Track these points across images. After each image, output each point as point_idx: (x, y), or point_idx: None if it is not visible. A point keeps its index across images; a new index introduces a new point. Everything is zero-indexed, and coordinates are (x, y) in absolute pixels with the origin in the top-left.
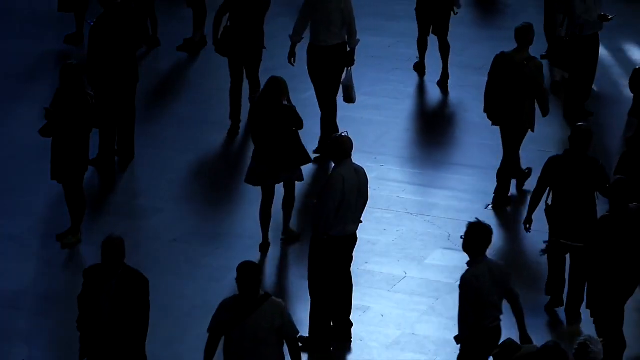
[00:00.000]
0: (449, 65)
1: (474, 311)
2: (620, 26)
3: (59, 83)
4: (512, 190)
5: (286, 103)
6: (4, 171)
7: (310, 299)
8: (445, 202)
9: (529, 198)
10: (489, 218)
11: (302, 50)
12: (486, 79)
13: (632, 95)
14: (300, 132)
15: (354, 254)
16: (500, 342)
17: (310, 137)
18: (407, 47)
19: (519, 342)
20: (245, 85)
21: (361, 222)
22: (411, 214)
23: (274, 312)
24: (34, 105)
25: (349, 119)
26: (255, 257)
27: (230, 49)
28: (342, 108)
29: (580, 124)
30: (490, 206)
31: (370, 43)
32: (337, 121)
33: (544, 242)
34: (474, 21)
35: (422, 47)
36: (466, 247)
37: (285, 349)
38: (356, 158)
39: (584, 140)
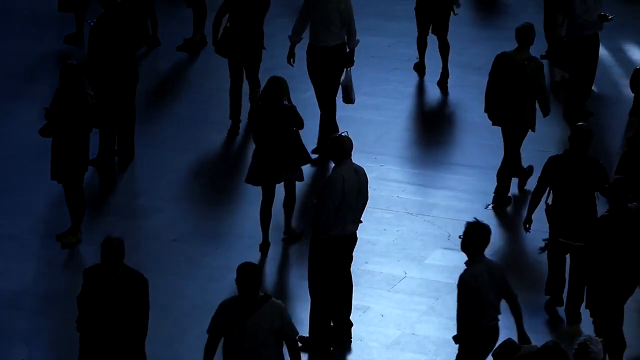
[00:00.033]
0: (449, 65)
1: (472, 311)
2: (620, 26)
3: (59, 83)
4: (513, 190)
5: (287, 103)
6: (4, 171)
7: (310, 299)
8: (445, 202)
9: (529, 198)
10: (489, 218)
11: (302, 50)
12: (486, 78)
13: (632, 95)
14: (300, 132)
15: (354, 254)
16: (499, 341)
17: (311, 137)
18: (407, 47)
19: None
20: (245, 85)
21: (361, 222)
22: (411, 214)
23: (274, 313)
24: (34, 105)
25: (349, 119)
26: (255, 257)
27: (229, 50)
28: (342, 108)
29: (580, 123)
30: (490, 206)
31: (370, 43)
32: (337, 121)
33: (543, 240)
34: (474, 21)
35: (422, 46)
36: (464, 247)
37: (285, 350)
38: (356, 158)
39: (584, 140)
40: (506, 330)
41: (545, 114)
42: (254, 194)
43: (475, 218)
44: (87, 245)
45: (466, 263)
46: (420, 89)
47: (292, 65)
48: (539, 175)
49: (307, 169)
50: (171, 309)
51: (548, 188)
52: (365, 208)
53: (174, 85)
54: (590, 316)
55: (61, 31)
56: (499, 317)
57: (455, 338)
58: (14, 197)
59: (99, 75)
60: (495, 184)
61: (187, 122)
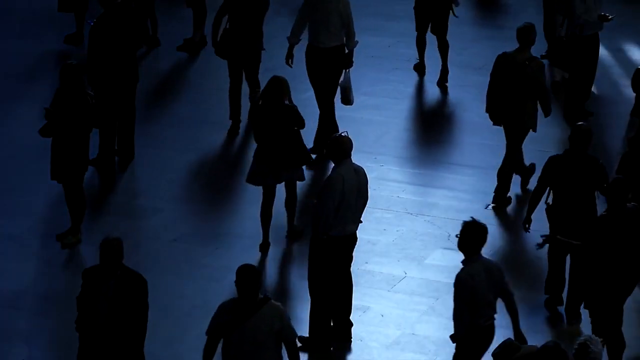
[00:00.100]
0: (448, 65)
1: (469, 310)
2: (620, 26)
3: (59, 83)
4: (514, 189)
5: (288, 103)
6: (4, 171)
7: (310, 299)
8: (445, 202)
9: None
10: (489, 218)
11: (301, 50)
12: (486, 78)
13: (632, 95)
14: (301, 131)
15: (354, 254)
16: (495, 340)
17: (311, 137)
18: (407, 47)
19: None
20: (245, 85)
21: (361, 222)
22: (411, 214)
23: (273, 315)
24: (34, 105)
25: (349, 119)
26: (255, 257)
27: (229, 51)
28: (342, 108)
29: (580, 123)
30: (490, 206)
31: (370, 43)
32: (337, 121)
33: (541, 236)
34: (474, 20)
35: (421, 46)
36: (461, 246)
37: (284, 351)
38: (356, 158)
39: (584, 139)
40: (503, 329)
41: (547, 114)
42: (254, 194)
43: (472, 217)
44: (87, 245)
45: (463, 262)
46: (420, 89)
47: (291, 66)
48: (539, 175)
49: (306, 168)
50: (171, 309)
51: (548, 188)
52: (365, 208)
53: (174, 85)
54: (590, 316)
55: (61, 31)
56: (495, 316)
57: (452, 337)
58: (14, 197)
59: (99, 75)
60: (495, 183)
61: (187, 122)
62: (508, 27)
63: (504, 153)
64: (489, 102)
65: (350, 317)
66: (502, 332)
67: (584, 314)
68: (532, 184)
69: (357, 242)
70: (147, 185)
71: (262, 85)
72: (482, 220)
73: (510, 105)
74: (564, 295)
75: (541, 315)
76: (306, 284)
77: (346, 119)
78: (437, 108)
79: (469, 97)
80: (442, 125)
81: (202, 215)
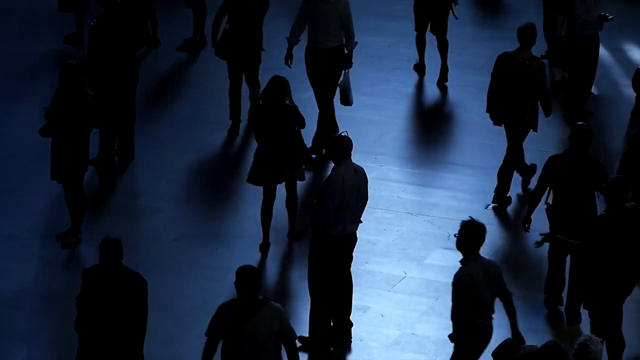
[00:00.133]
0: (449, 65)
1: (468, 310)
2: (620, 26)
3: (59, 83)
4: (513, 189)
5: (288, 102)
6: (4, 171)
7: (310, 299)
8: (445, 202)
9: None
10: (489, 218)
11: (300, 51)
12: (486, 78)
13: (632, 95)
14: (301, 131)
15: (354, 254)
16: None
17: (311, 136)
18: (407, 47)
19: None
20: (245, 85)
21: (361, 222)
22: (411, 214)
23: (273, 316)
24: (34, 105)
25: (349, 119)
26: (255, 257)
27: (229, 52)
28: (342, 108)
29: (580, 123)
30: (490, 206)
31: (370, 43)
32: (337, 121)
33: (540, 234)
34: (474, 20)
35: (421, 45)
36: (460, 246)
37: (284, 352)
38: (356, 158)
39: (584, 139)
40: (502, 329)
41: (547, 114)
42: (254, 194)
43: (470, 217)
44: (87, 245)
45: (461, 261)
46: (420, 89)
47: (290, 67)
48: (539, 175)
49: (306, 168)
50: (171, 309)
51: (548, 188)
52: (365, 208)
53: (174, 85)
54: (589, 316)
55: (61, 31)
56: (493, 316)
57: (451, 337)
58: (14, 197)
59: (99, 75)
60: (495, 183)
61: (187, 122)
62: (508, 27)
63: (505, 153)
64: (490, 102)
65: (350, 317)
66: (501, 332)
67: (584, 314)
68: (533, 184)
69: (357, 242)
70: (147, 185)
71: (262, 85)
72: (482, 220)
73: (510, 105)
74: (564, 295)
75: (541, 315)
76: (306, 284)
77: (346, 119)
78: (437, 108)
79: (469, 97)
80: (442, 125)
81: (202, 215)
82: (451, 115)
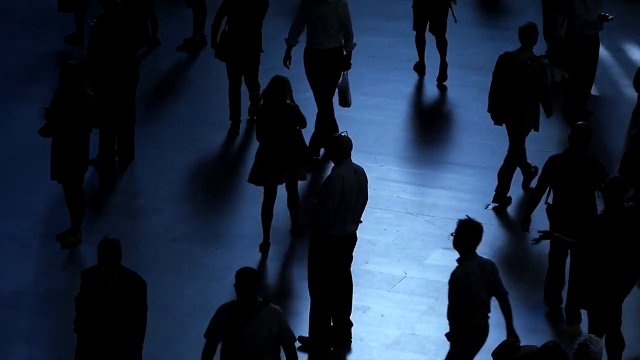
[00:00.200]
0: (449, 65)
1: (464, 308)
2: (620, 26)
3: (59, 83)
4: (513, 190)
5: (289, 102)
6: (4, 171)
7: (310, 299)
8: (445, 202)
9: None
10: (489, 218)
11: (299, 51)
12: (486, 78)
13: (632, 94)
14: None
15: (354, 254)
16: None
17: (310, 137)
18: (407, 47)
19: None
20: (244, 85)
21: (361, 222)
22: (411, 214)
23: (272, 318)
24: (34, 105)
25: (349, 119)
26: (255, 257)
27: (228, 53)
28: (342, 108)
29: (580, 123)
30: (490, 206)
31: (370, 43)
32: (337, 121)
33: (539, 232)
34: (474, 21)
35: (420, 45)
36: (457, 244)
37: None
38: (356, 158)
39: (584, 139)
40: (500, 328)
41: (549, 114)
42: (254, 194)
43: (467, 215)
44: (87, 245)
45: (458, 260)
46: (420, 89)
47: (288, 68)
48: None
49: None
50: (171, 309)
51: (548, 188)
52: (365, 208)
53: (174, 85)
54: (588, 316)
55: (61, 31)
56: (489, 315)
57: (447, 335)
58: (14, 197)
59: (99, 75)
60: (495, 183)
61: (187, 122)
62: (508, 27)
63: (505, 153)
64: (491, 102)
65: (350, 317)
66: (499, 331)
67: (584, 313)
68: (534, 184)
69: (357, 242)
70: (147, 185)
71: (262, 86)
72: (482, 220)
73: (512, 105)
74: (564, 294)
75: (541, 314)
76: (306, 284)
77: (346, 119)
78: (437, 108)
79: (468, 97)
80: (442, 125)
81: (202, 215)
82: (451, 115)
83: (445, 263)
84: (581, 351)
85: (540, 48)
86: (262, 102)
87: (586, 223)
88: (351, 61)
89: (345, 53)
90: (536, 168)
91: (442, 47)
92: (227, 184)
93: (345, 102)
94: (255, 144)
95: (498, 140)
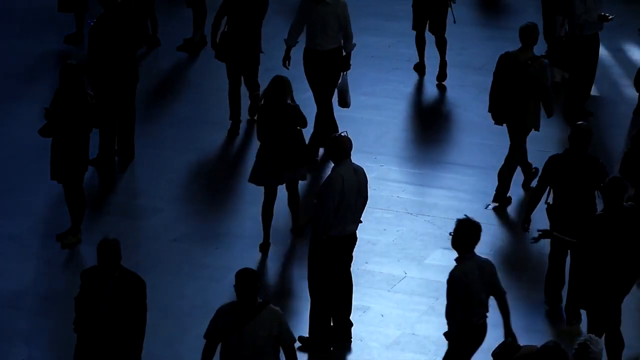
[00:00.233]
0: (449, 65)
1: (463, 308)
2: (620, 26)
3: (59, 83)
4: (513, 190)
5: (290, 102)
6: (4, 171)
7: (310, 299)
8: (445, 202)
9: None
10: (489, 218)
11: (299, 52)
12: (486, 78)
13: (632, 95)
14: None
15: (354, 254)
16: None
17: (308, 137)
18: (407, 47)
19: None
20: (244, 85)
21: (361, 222)
22: (411, 214)
23: (272, 319)
24: (34, 105)
25: (349, 119)
26: (255, 257)
27: (227, 54)
28: (342, 108)
29: (580, 123)
30: (490, 206)
31: (370, 43)
32: (337, 121)
33: (538, 230)
34: (474, 20)
35: (420, 44)
36: (455, 244)
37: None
38: (356, 158)
39: (584, 139)
40: (499, 328)
41: (549, 114)
42: (254, 194)
43: (465, 215)
44: (87, 245)
45: (456, 260)
46: (420, 89)
47: (288, 69)
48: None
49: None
50: (171, 309)
51: (548, 188)
52: (365, 208)
53: (174, 85)
54: (587, 315)
55: (61, 31)
56: (487, 314)
57: (446, 335)
58: (14, 197)
59: (99, 75)
60: (496, 183)
61: (187, 122)
62: (508, 27)
63: (505, 153)
64: (492, 102)
65: (350, 317)
66: (497, 331)
67: (584, 313)
68: (534, 184)
69: (357, 242)
70: (147, 185)
71: (262, 86)
72: (482, 220)
73: (512, 105)
74: (564, 294)
75: (541, 314)
76: (306, 284)
77: (346, 119)
78: (437, 108)
79: (468, 97)
80: (442, 125)
81: (202, 215)
82: (451, 115)
83: (445, 263)
84: (581, 351)
85: (540, 48)
86: (262, 102)
87: (585, 223)
88: (351, 61)
89: (344, 54)
90: (537, 169)
91: (441, 46)
92: (227, 184)
93: (344, 102)
94: (255, 144)
95: (498, 140)
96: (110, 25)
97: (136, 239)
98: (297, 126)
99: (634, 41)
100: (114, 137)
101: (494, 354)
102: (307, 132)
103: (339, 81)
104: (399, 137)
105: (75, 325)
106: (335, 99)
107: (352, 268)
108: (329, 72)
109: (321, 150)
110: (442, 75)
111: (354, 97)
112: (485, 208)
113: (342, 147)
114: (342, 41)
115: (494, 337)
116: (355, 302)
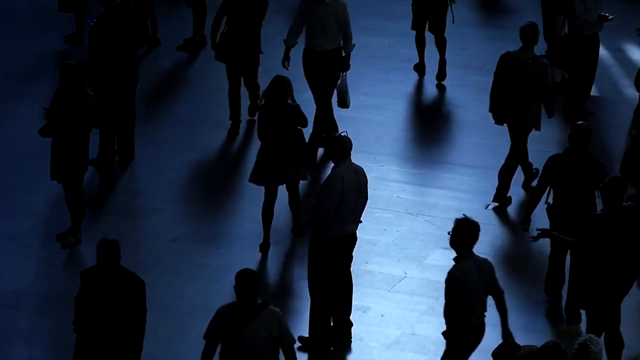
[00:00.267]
0: (448, 65)
1: (461, 307)
2: (620, 26)
3: (59, 83)
4: (514, 190)
5: (291, 102)
6: (4, 171)
7: (310, 299)
8: (445, 202)
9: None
10: (489, 218)
11: (299, 52)
12: (486, 78)
13: (632, 95)
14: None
15: (354, 254)
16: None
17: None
18: (407, 47)
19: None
20: (244, 86)
21: (361, 222)
22: (411, 214)
23: (272, 320)
24: (34, 105)
25: (349, 119)
26: (255, 257)
27: (227, 54)
28: (342, 108)
29: (580, 123)
30: (490, 206)
31: (370, 43)
32: (337, 121)
33: (537, 229)
34: (474, 20)
35: (420, 44)
36: (453, 243)
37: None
38: (356, 158)
39: (584, 138)
40: (498, 328)
41: (550, 114)
42: (254, 194)
43: (464, 214)
44: (87, 245)
45: (455, 259)
46: (420, 89)
47: (287, 69)
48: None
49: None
50: (171, 309)
51: (548, 187)
52: (365, 208)
53: (174, 85)
54: (586, 315)
55: (61, 31)
56: (486, 314)
57: (444, 334)
58: (14, 197)
59: (99, 75)
60: (496, 183)
61: (187, 122)
62: (508, 27)
63: (505, 153)
64: (492, 102)
65: (350, 317)
66: (497, 331)
67: (584, 313)
68: (534, 184)
69: (357, 242)
70: (147, 185)
71: (262, 87)
72: (482, 220)
73: (513, 105)
74: (564, 294)
75: (541, 314)
76: (306, 284)
77: (346, 119)
78: (436, 108)
79: (468, 97)
80: (442, 125)
81: (202, 215)
82: (451, 115)
83: (445, 263)
84: (581, 351)
85: (540, 48)
86: (263, 102)
87: (585, 222)
88: (351, 62)
89: (344, 54)
90: (537, 170)
91: (441, 45)
92: (227, 184)
93: (344, 103)
94: (255, 144)
95: (498, 140)
96: (110, 25)
97: (136, 239)
98: (298, 126)
99: (633, 41)
100: (114, 137)
101: (494, 354)
102: (307, 132)
103: (339, 82)
104: (399, 137)
105: (74, 326)
106: (334, 100)
107: (352, 268)
108: (329, 73)
109: (321, 150)
110: (441, 75)
111: (353, 97)
112: (485, 208)
113: (342, 147)
114: (341, 42)
115: (492, 336)
116: (355, 302)
